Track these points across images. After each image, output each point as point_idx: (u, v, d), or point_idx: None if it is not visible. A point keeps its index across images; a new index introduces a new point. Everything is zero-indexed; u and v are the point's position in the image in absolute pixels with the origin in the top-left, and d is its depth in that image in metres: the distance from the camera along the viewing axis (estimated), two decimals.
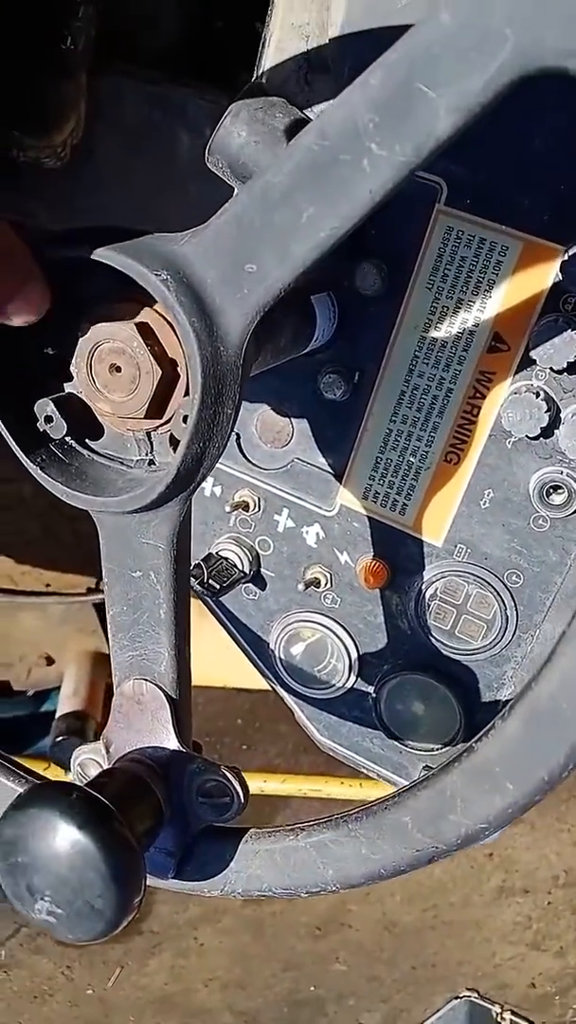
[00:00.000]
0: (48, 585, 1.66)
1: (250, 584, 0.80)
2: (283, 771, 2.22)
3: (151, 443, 0.50)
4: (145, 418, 0.48)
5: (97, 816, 0.42)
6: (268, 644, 0.81)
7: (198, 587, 0.75)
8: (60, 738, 1.68)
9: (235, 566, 0.77)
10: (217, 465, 0.77)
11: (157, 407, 0.47)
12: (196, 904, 2.49)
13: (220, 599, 0.81)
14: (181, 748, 0.49)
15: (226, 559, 0.78)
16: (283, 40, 0.62)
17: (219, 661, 1.62)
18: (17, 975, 2.19)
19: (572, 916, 2.20)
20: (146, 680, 0.50)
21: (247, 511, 0.77)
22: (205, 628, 1.63)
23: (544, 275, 0.63)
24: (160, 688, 0.50)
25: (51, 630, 1.72)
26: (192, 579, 0.75)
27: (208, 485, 0.79)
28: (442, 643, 0.74)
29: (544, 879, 2.27)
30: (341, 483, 0.74)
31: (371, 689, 0.78)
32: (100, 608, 1.73)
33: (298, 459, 0.75)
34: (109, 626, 0.51)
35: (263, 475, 0.76)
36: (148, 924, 2.52)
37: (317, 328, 0.66)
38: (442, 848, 0.43)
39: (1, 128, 0.99)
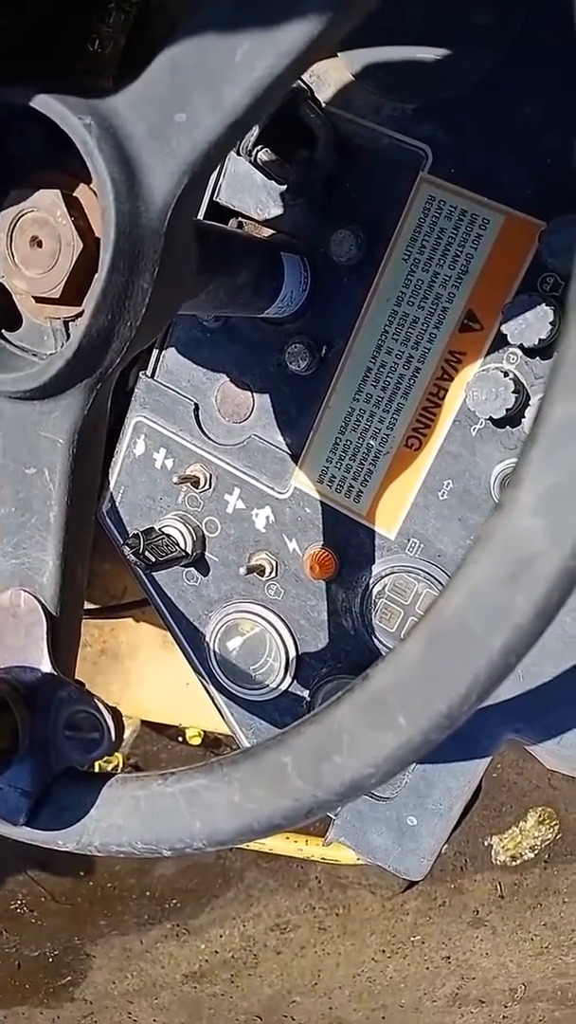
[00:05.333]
0: None
1: (192, 569, 0.75)
2: None
3: (68, 335, 0.46)
4: (61, 301, 0.44)
5: None
6: (204, 636, 0.76)
7: (132, 557, 0.70)
8: None
9: (176, 543, 0.73)
10: (171, 436, 0.74)
11: (75, 290, 0.43)
12: (134, 975, 2.35)
13: (157, 582, 0.76)
14: (53, 671, 0.44)
15: (168, 536, 0.73)
16: None
17: (180, 697, 1.55)
18: None
19: None
20: (25, 591, 0.45)
21: (197, 488, 0.73)
22: (171, 661, 1.57)
23: (523, 252, 0.59)
24: (39, 601, 0.44)
25: None
26: (127, 548, 0.70)
27: (160, 457, 0.75)
28: (385, 646, 0.68)
29: (501, 991, 2.11)
30: (297, 464, 0.69)
31: (306, 693, 0.72)
32: None
33: (256, 435, 0.71)
34: None
35: (218, 450, 0.72)
36: (81, 991, 2.37)
37: (284, 286, 0.63)
38: (321, 797, 0.37)
39: None
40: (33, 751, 0.44)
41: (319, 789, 0.37)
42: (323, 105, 0.62)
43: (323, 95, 0.63)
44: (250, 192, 0.66)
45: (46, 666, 0.44)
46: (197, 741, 2.23)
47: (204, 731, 2.18)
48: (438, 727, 0.34)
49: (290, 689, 0.73)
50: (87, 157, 0.39)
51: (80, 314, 0.44)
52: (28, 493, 0.45)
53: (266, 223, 0.67)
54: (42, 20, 0.95)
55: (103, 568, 1.40)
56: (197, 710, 1.59)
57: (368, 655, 0.69)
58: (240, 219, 0.68)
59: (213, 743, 2.26)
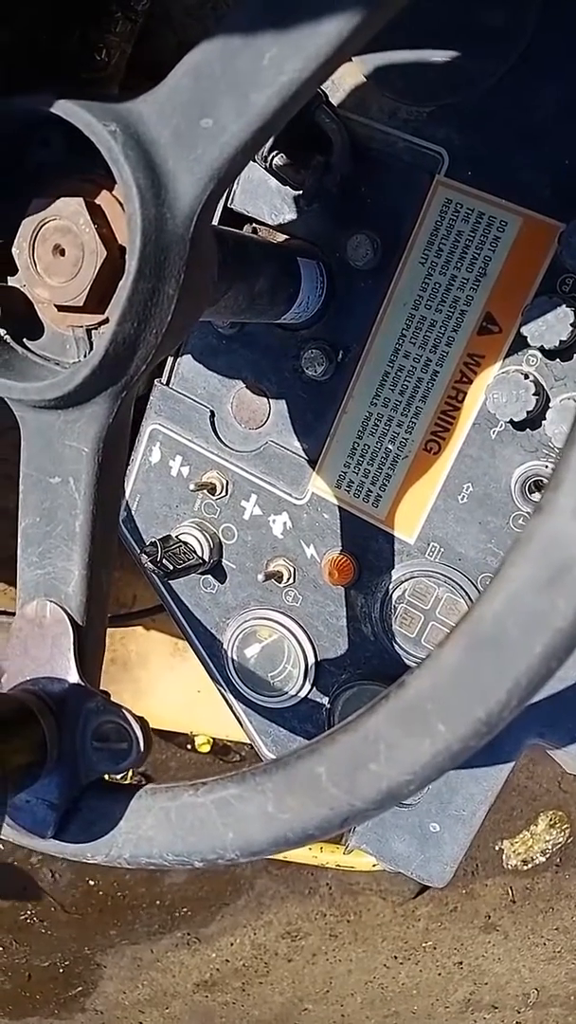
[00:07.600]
0: None
1: (209, 576, 0.75)
2: None
3: (90, 343, 0.45)
4: (84, 309, 0.43)
5: None
6: (222, 644, 0.75)
7: (149, 565, 0.69)
8: None
9: (194, 551, 0.72)
10: (187, 443, 0.73)
11: (98, 298, 0.43)
12: (145, 984, 2.33)
13: (174, 590, 0.76)
14: (80, 682, 0.43)
15: (185, 543, 0.73)
16: None
17: (190, 705, 1.54)
18: None
19: None
20: (51, 601, 0.44)
21: (213, 495, 0.73)
22: (181, 669, 1.56)
23: (542, 254, 0.59)
24: (65, 611, 0.44)
25: None
26: (144, 556, 0.70)
27: (176, 464, 0.74)
28: (406, 651, 0.68)
29: (514, 995, 2.10)
30: (315, 469, 0.69)
31: (326, 700, 0.72)
32: None
33: (272, 442, 0.70)
34: (19, 541, 0.46)
35: (234, 457, 0.72)
36: (92, 1002, 2.36)
37: (301, 292, 0.63)
38: (358, 806, 0.36)
39: None
40: (61, 763, 0.43)
41: (355, 798, 0.37)
42: (337, 109, 0.62)
43: (337, 99, 0.63)
44: (265, 198, 0.66)
45: (73, 677, 0.44)
46: (206, 748, 2.22)
47: (213, 738, 2.17)
48: (477, 733, 0.34)
49: (309, 696, 0.73)
50: (113, 164, 0.38)
51: (103, 322, 0.44)
52: (53, 503, 0.44)
53: (281, 229, 0.66)
54: (48, 30, 0.94)
55: (112, 576, 1.41)
56: (207, 718, 1.59)
57: (388, 661, 0.68)
58: (255, 225, 0.68)
59: (222, 750, 2.25)
